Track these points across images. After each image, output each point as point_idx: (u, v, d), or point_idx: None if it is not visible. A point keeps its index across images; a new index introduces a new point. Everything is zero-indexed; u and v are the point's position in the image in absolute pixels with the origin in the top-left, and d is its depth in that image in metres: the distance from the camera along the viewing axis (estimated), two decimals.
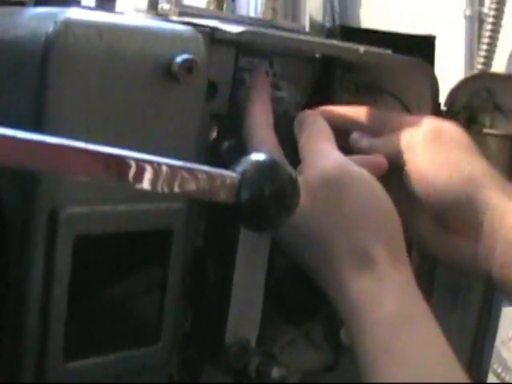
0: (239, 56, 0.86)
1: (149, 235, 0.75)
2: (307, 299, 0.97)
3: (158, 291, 0.78)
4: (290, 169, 0.61)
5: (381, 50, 0.94)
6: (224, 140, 0.84)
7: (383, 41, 1.71)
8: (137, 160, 0.52)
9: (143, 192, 0.72)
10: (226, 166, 0.84)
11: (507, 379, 1.61)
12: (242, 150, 0.84)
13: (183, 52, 0.73)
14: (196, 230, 0.84)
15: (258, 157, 0.59)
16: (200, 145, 0.80)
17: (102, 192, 0.71)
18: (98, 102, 0.70)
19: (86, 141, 0.67)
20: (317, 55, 0.97)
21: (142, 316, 0.79)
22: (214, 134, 0.85)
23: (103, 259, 0.74)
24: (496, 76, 0.97)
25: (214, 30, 0.80)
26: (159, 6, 0.93)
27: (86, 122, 0.70)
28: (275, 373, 0.92)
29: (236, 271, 0.86)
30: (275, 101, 0.89)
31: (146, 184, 0.53)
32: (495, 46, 1.48)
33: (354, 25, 1.84)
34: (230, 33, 0.80)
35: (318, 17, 1.83)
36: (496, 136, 0.92)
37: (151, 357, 0.78)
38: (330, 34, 1.77)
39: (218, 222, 0.86)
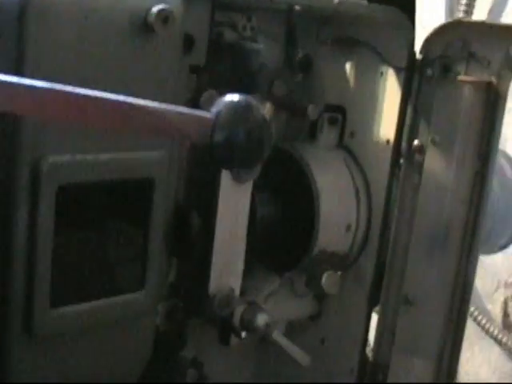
0: (216, 10, 0.87)
1: (131, 184, 0.77)
2: (289, 248, 0.99)
3: (142, 240, 0.80)
4: (262, 110, 0.62)
5: (356, 0, 0.95)
6: (203, 91, 0.85)
7: None
8: (110, 101, 0.54)
9: (125, 141, 0.74)
10: None
11: (491, 330, 1.64)
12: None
13: (159, 2, 0.74)
14: (177, 182, 0.85)
15: (232, 97, 0.61)
16: (179, 97, 0.81)
17: (84, 141, 0.73)
18: (76, 57, 0.71)
19: None
20: (296, 7, 0.97)
21: (127, 264, 0.80)
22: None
23: (87, 208, 0.75)
24: (470, 24, 0.98)
25: None
26: None
27: (63, 78, 0.71)
28: (259, 320, 0.94)
29: (218, 222, 0.88)
30: (252, 53, 0.91)
31: (119, 124, 0.54)
32: None
33: None
34: None
35: None
36: (470, 83, 0.94)
37: (136, 304, 0.80)
38: None
39: (198, 175, 0.87)
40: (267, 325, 0.95)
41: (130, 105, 0.55)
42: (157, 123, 0.56)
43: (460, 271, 0.99)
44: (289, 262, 0.99)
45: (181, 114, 0.57)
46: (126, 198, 0.78)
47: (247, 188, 0.89)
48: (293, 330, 1.06)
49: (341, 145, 1.02)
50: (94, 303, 0.77)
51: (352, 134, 1.01)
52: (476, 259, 0.99)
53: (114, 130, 0.56)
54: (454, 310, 1.00)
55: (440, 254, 0.98)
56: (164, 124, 0.56)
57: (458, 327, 1.00)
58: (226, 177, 0.86)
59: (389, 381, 1.02)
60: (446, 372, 1.02)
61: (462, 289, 0.99)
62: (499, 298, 1.66)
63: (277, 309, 1.01)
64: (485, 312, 1.66)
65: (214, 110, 0.59)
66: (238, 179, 0.87)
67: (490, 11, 1.43)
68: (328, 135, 1.01)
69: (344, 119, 1.01)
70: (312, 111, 0.96)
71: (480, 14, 1.42)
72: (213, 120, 0.58)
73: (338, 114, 1.01)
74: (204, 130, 0.57)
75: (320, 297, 1.06)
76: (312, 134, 1.01)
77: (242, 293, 0.95)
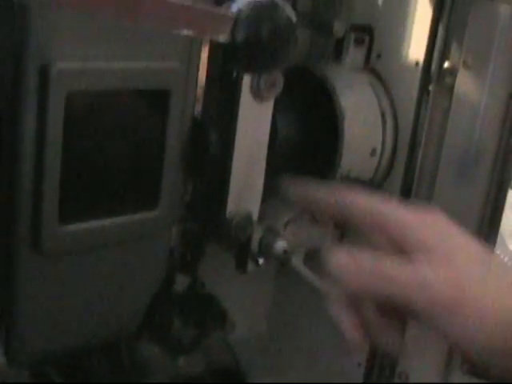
0: None
1: (145, 95, 0.73)
2: (310, 174, 0.94)
3: (156, 157, 0.76)
4: (288, 10, 0.57)
5: None
6: None
7: None
8: None
9: (139, 50, 0.70)
10: None
11: None
12: None
13: None
14: (194, 95, 0.81)
15: None
16: None
17: (96, 48, 0.69)
18: None
19: None
20: None
21: (140, 181, 0.76)
22: None
23: (99, 119, 0.72)
24: None
25: None
26: None
27: None
28: (278, 246, 0.90)
29: (237, 141, 0.84)
30: None
31: (133, 14, 0.50)
32: None
33: None
34: None
35: None
36: (507, 2, 0.89)
37: (149, 223, 0.77)
38: None
39: (218, 90, 0.83)
40: (285, 251, 0.91)
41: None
42: (174, 17, 0.51)
43: (488, 202, 0.95)
44: None
45: (200, 10, 0.53)
46: (140, 110, 0.74)
47: (268, 106, 0.85)
48: (312, 259, 1.02)
49: (367, 67, 0.97)
50: (105, 221, 0.73)
51: (379, 56, 0.96)
52: (506, 190, 0.95)
53: (127, 18, 0.51)
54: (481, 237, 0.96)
55: (468, 182, 0.93)
56: (184, 20, 0.52)
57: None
58: (246, 94, 0.81)
59: None
60: None
61: (491, 217, 0.95)
62: None
63: (296, 236, 0.97)
64: (506, 251, 1.62)
65: (236, 6, 0.55)
66: (258, 96, 0.82)
67: None
68: (354, 56, 0.96)
69: (371, 40, 0.96)
70: (338, 28, 0.91)
71: None
72: (234, 16, 0.54)
73: (365, 34, 0.96)
74: (224, 27, 0.53)
75: (341, 225, 1.02)
76: (337, 54, 0.96)
77: (261, 219, 0.92)
